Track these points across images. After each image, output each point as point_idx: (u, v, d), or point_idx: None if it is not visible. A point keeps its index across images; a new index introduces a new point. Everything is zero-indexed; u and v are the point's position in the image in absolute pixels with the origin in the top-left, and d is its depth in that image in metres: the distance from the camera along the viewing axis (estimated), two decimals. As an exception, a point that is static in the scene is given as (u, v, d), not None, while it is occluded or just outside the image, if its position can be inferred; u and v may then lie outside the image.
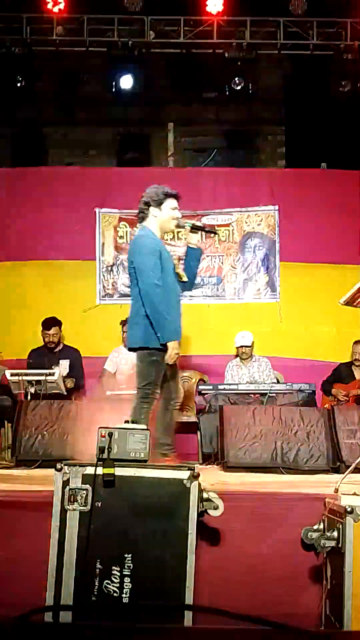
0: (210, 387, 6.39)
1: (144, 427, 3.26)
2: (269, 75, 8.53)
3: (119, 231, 8.03)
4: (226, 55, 7.72)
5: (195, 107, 9.68)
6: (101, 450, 3.05)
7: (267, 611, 3.06)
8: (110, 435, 3.07)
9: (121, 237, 8.03)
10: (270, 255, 8.01)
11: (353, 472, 3.48)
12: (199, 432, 6.27)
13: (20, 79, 7.71)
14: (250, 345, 6.91)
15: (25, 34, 7.60)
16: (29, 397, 5.80)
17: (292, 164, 9.31)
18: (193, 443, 6.50)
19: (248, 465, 5.05)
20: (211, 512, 3.06)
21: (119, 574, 2.90)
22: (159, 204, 4.44)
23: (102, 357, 7.12)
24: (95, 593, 2.90)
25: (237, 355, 7.05)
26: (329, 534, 2.97)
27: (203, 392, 6.40)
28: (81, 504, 2.98)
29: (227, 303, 7.97)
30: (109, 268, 8.00)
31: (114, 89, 7.78)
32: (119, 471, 3.01)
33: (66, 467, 3.02)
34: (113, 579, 2.90)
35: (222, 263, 8.00)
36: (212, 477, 4.32)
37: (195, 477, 3.01)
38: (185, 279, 4.58)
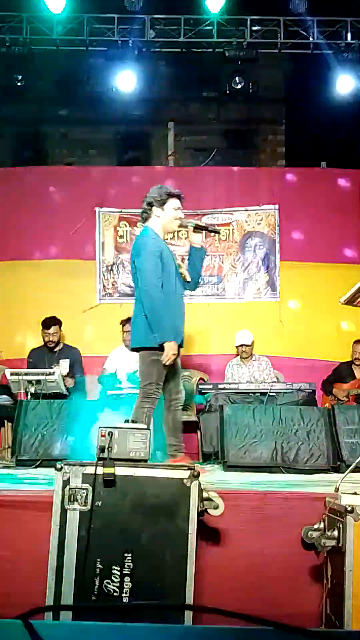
0: (211, 387, 6.38)
1: (144, 426, 3.26)
2: (269, 74, 8.53)
3: (119, 231, 8.03)
4: (226, 54, 7.72)
5: (195, 107, 9.69)
6: (101, 449, 3.05)
7: (267, 611, 3.06)
8: (110, 434, 3.07)
9: (121, 236, 8.03)
10: (270, 255, 8.01)
11: (353, 471, 3.48)
12: (199, 432, 6.27)
13: (20, 78, 7.71)
14: (250, 344, 6.92)
15: (25, 33, 7.60)
16: (29, 397, 5.79)
17: (292, 164, 9.32)
18: (193, 442, 6.49)
19: (248, 465, 5.05)
20: (211, 511, 3.06)
21: (119, 573, 2.90)
22: (161, 204, 4.43)
23: (102, 356, 7.12)
24: (96, 593, 2.89)
25: (237, 355, 7.05)
26: (329, 534, 2.97)
27: (203, 391, 6.40)
28: (81, 503, 2.97)
29: (228, 302, 7.97)
30: (109, 267, 8.00)
31: (114, 89, 7.77)
32: (119, 471, 3.00)
33: (66, 467, 3.02)
34: (113, 578, 2.90)
35: (222, 262, 8.00)
36: (212, 477, 4.32)
37: (195, 476, 3.01)
38: (188, 278, 4.58)
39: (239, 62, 7.73)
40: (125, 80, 7.86)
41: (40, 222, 7.93)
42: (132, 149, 9.78)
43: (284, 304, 7.93)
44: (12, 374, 5.98)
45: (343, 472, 3.66)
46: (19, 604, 2.73)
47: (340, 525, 2.89)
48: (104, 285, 7.98)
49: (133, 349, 4.54)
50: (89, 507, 2.96)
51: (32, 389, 5.86)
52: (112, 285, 7.99)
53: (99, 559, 2.92)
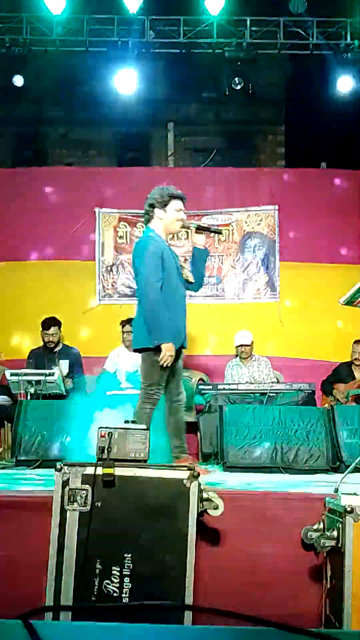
0: (210, 387, 6.39)
1: (144, 427, 3.26)
2: (269, 75, 8.54)
3: (119, 231, 8.04)
4: (226, 55, 7.72)
5: (195, 107, 9.70)
6: (101, 450, 3.05)
7: (267, 611, 3.06)
8: (110, 435, 3.08)
9: (121, 237, 8.03)
10: (270, 255, 8.02)
11: (353, 471, 3.48)
12: (198, 432, 6.27)
13: (20, 78, 7.71)
14: (249, 344, 6.92)
15: (25, 34, 7.60)
16: (28, 397, 5.79)
17: (292, 164, 9.33)
18: (193, 443, 6.50)
19: (248, 465, 5.05)
20: (211, 511, 3.06)
21: (118, 574, 2.90)
22: (163, 205, 4.43)
23: (102, 357, 7.13)
24: (95, 593, 2.90)
25: (237, 355, 7.05)
26: (328, 534, 2.97)
27: (203, 391, 6.40)
28: (81, 504, 2.97)
29: (227, 303, 7.98)
30: (109, 268, 8.00)
31: (113, 89, 7.77)
32: (119, 471, 3.00)
33: (66, 467, 3.02)
34: (113, 579, 2.90)
35: (222, 263, 8.00)
36: (211, 477, 4.32)
37: (195, 476, 3.01)
38: (191, 279, 4.58)
39: (239, 63, 7.74)
40: (125, 81, 7.87)
41: (40, 222, 7.94)
42: (132, 150, 9.79)
43: (283, 304, 7.94)
44: (12, 375, 5.98)
45: (342, 473, 3.67)
46: (19, 604, 2.73)
47: (340, 526, 2.89)
48: (103, 286, 7.99)
49: (135, 350, 4.54)
50: (88, 507, 2.96)
51: (31, 390, 5.86)
52: (112, 285, 7.99)
53: (98, 560, 2.92)
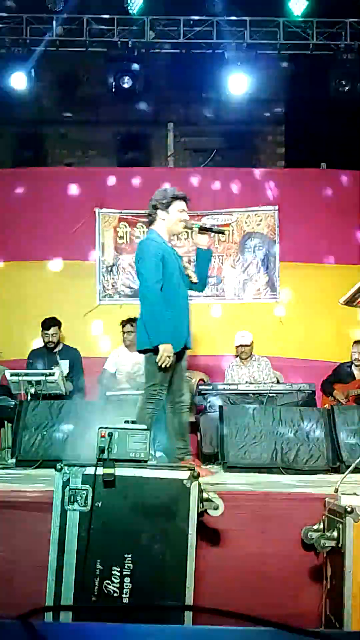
0: (210, 387, 6.39)
1: (144, 427, 3.27)
2: (269, 75, 8.53)
3: (119, 231, 8.04)
4: (226, 55, 7.72)
5: (195, 107, 9.68)
6: (101, 450, 3.05)
7: (267, 611, 3.06)
8: (110, 435, 3.08)
9: (121, 237, 8.03)
10: (270, 255, 8.01)
11: (353, 472, 3.48)
12: (198, 432, 6.27)
13: (19, 78, 7.71)
14: (249, 344, 6.92)
15: (25, 34, 7.60)
16: (29, 397, 5.79)
17: (292, 164, 9.31)
18: (193, 443, 6.49)
19: (248, 466, 5.05)
20: (211, 512, 3.06)
21: (119, 574, 2.91)
22: (166, 206, 4.44)
23: (102, 357, 7.12)
24: (95, 593, 2.90)
25: (237, 355, 7.05)
26: (328, 534, 2.97)
27: (203, 391, 6.40)
28: (81, 504, 2.98)
29: (227, 303, 7.97)
30: (109, 268, 8.00)
31: (113, 89, 7.77)
32: (119, 471, 3.01)
33: (66, 467, 3.02)
34: (113, 579, 2.90)
35: (222, 263, 8.00)
36: (212, 477, 4.32)
37: (195, 477, 3.01)
38: (195, 279, 4.59)
39: (239, 63, 7.73)
40: (124, 81, 7.86)
41: (40, 222, 7.94)
42: (132, 150, 9.76)
43: (283, 304, 7.94)
44: (12, 375, 5.98)
45: (343, 473, 3.67)
46: (19, 604, 2.74)
47: (340, 526, 2.89)
48: (103, 286, 7.98)
49: (139, 351, 4.54)
50: (89, 507, 2.97)
51: (32, 390, 5.86)
52: (112, 286, 7.99)
53: (99, 560, 2.92)
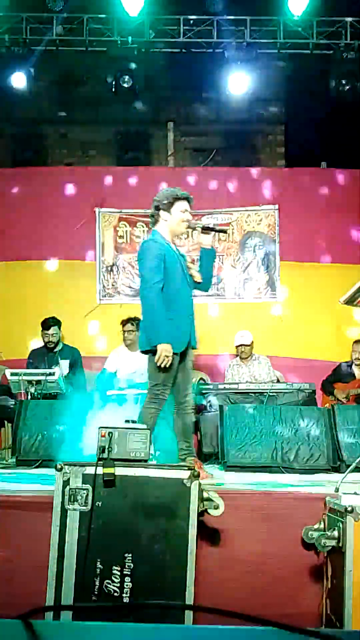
0: (210, 387, 6.39)
1: (144, 426, 3.26)
2: (269, 74, 8.52)
3: (119, 231, 8.04)
4: (226, 54, 7.72)
5: (195, 107, 9.68)
6: (101, 449, 3.05)
7: (267, 611, 3.06)
8: (111, 434, 3.07)
9: (121, 236, 8.03)
10: (270, 255, 8.02)
11: (353, 471, 3.48)
12: (199, 432, 6.27)
13: (19, 78, 7.71)
14: (249, 344, 6.92)
15: (25, 34, 7.60)
16: (29, 397, 5.79)
17: (292, 164, 9.32)
18: (193, 443, 6.49)
19: (248, 465, 5.05)
20: (211, 511, 3.06)
21: (119, 573, 2.90)
22: (168, 207, 4.44)
23: (103, 356, 7.12)
24: (96, 593, 2.90)
25: (237, 355, 7.05)
26: (329, 533, 2.97)
27: (203, 391, 6.40)
28: (81, 504, 2.97)
29: (227, 302, 7.97)
30: (109, 268, 8.00)
31: (113, 89, 7.77)
32: (119, 471, 3.01)
33: (66, 467, 3.02)
34: (113, 578, 2.90)
35: (222, 262, 8.00)
36: (211, 478, 4.32)
37: (195, 476, 3.01)
38: (199, 279, 4.58)
39: (239, 63, 7.73)
40: (124, 80, 7.85)
41: (40, 222, 7.94)
42: (132, 150, 9.77)
43: (283, 304, 7.94)
44: (12, 374, 5.98)
45: (343, 472, 3.67)
46: (19, 604, 2.73)
47: (341, 525, 2.89)
48: (104, 286, 7.99)
49: (142, 352, 4.53)
50: (89, 507, 2.96)
51: (32, 389, 5.86)
52: (112, 285, 7.99)
53: (99, 559, 2.92)
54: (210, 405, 6.15)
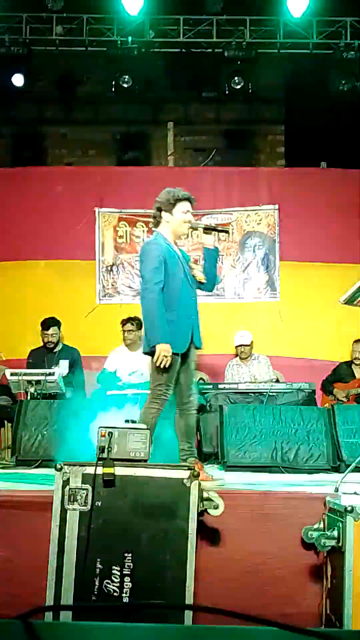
0: (210, 387, 6.39)
1: (144, 426, 3.26)
2: (268, 74, 8.53)
3: (119, 231, 8.03)
4: (226, 54, 7.72)
5: (195, 107, 9.68)
6: (101, 449, 3.05)
7: (267, 610, 3.06)
8: (110, 434, 3.07)
9: (121, 236, 8.03)
10: (270, 255, 8.01)
11: (353, 471, 3.48)
12: (198, 432, 6.27)
13: (19, 78, 7.71)
14: (249, 344, 6.92)
15: (25, 33, 7.60)
16: (29, 397, 5.79)
17: (291, 164, 9.31)
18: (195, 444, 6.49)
19: (248, 465, 5.05)
20: (211, 511, 3.06)
21: (119, 573, 2.90)
22: (170, 208, 4.44)
23: (103, 356, 7.12)
24: (96, 593, 2.90)
25: (236, 355, 7.05)
26: (329, 533, 2.97)
27: (203, 391, 6.40)
28: (81, 503, 2.97)
29: (227, 302, 7.97)
30: (109, 268, 8.00)
31: (113, 89, 7.77)
32: (119, 471, 3.01)
33: (66, 467, 3.02)
34: (113, 578, 2.90)
35: (221, 262, 7.99)
36: (211, 477, 4.31)
37: (195, 476, 3.01)
38: (203, 280, 4.58)
39: (239, 62, 7.73)
40: (124, 81, 7.85)
41: (40, 222, 7.94)
42: (132, 149, 9.77)
43: (283, 304, 7.93)
44: (12, 374, 5.97)
45: (343, 472, 3.67)
46: (19, 604, 2.74)
47: (340, 525, 2.89)
48: (103, 286, 7.98)
49: (145, 353, 4.52)
50: (88, 507, 2.96)
51: (32, 389, 5.86)
52: (112, 285, 7.99)
53: (99, 559, 2.92)
54: (210, 405, 6.15)
